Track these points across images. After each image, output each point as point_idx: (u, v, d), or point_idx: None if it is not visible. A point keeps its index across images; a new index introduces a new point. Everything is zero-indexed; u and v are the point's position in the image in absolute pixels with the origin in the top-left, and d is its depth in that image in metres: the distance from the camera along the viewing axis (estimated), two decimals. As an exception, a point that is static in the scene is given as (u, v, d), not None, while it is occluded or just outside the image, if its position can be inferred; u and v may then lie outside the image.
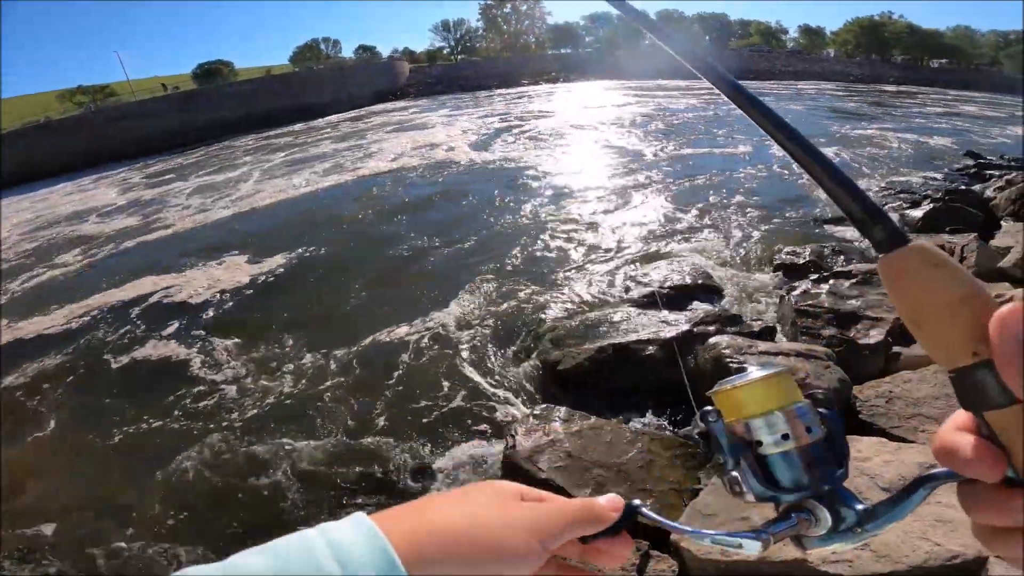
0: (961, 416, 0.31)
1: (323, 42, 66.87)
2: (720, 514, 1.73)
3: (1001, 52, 63.69)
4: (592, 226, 7.21)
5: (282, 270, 6.57)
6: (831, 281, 4.07)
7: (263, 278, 6.38)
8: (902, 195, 7.88)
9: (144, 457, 3.51)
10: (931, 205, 6.83)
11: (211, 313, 5.60)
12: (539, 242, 6.67)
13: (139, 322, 5.60)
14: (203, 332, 5.12)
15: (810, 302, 3.79)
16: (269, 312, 5.44)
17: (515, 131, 16.98)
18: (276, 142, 20.41)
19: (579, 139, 14.73)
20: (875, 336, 3.14)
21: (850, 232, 6.37)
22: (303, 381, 4.16)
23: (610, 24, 67.29)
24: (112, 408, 4.14)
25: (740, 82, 0.48)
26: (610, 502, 0.39)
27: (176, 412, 3.97)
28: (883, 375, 2.67)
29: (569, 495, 2.29)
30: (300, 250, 7.12)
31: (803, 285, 4.25)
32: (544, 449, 2.49)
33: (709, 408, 0.37)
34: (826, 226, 6.67)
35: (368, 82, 37.56)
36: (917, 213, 6.73)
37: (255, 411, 3.87)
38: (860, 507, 0.34)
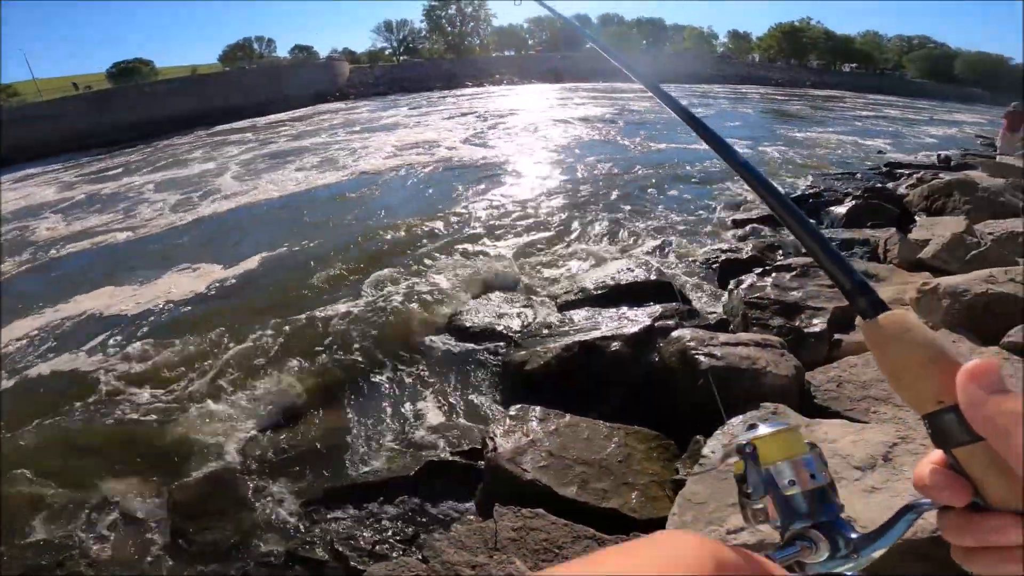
0: (934, 453, 0.37)
1: (256, 41, 63.83)
2: (711, 502, 1.81)
3: (905, 56, 69.75)
4: (544, 227, 7.32)
5: (231, 280, 6.26)
6: (773, 274, 4.30)
7: (208, 290, 6.06)
8: (826, 193, 8.52)
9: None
10: (853, 202, 7.45)
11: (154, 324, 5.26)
12: (489, 245, 6.68)
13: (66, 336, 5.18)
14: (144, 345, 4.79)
15: (757, 295, 4.01)
16: (217, 325, 5.17)
17: (461, 132, 16.94)
18: (181, 146, 19.33)
19: (524, 143, 14.80)
20: (819, 324, 3.41)
21: (784, 233, 6.82)
22: (262, 394, 3.98)
23: (553, 27, 68.45)
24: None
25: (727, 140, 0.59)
26: None
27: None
28: (829, 361, 2.90)
29: (556, 494, 2.39)
30: (237, 259, 6.81)
31: (749, 279, 4.43)
32: (525, 450, 2.52)
33: (746, 444, 0.44)
34: (756, 225, 7.08)
35: (305, 83, 36.21)
36: (841, 210, 7.31)
37: (214, 431, 3.67)
38: (854, 535, 0.40)
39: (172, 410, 3.88)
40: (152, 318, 5.46)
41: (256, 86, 32.45)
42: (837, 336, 3.29)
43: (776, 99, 29.66)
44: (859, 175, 10.49)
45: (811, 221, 0.49)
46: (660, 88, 0.79)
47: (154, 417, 3.83)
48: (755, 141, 14.86)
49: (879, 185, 8.82)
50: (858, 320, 0.40)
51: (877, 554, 0.39)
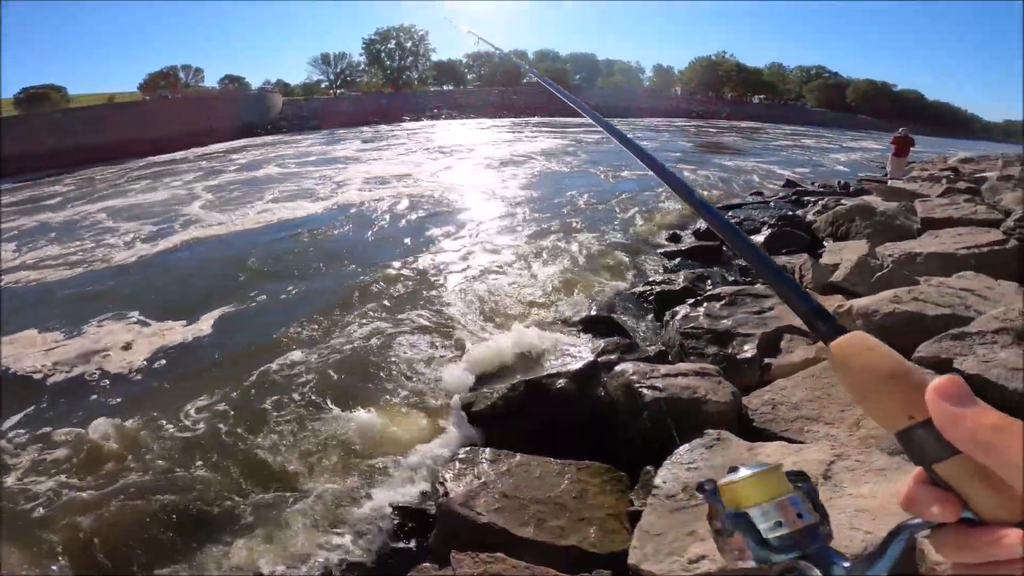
0: (915, 472, 0.37)
1: (182, 69, 61.35)
2: (669, 532, 1.84)
3: (805, 87, 77.24)
4: (485, 266, 7.34)
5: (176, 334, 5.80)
6: (705, 304, 4.46)
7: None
8: (745, 223, 9.17)
9: None
10: (768, 231, 8.07)
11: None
12: (431, 288, 6.58)
13: None
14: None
15: (691, 325, 4.17)
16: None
17: (399, 167, 16.94)
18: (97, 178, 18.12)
19: (453, 182, 14.79)
20: (749, 351, 3.61)
21: (712, 266, 7.31)
22: (205, 448, 3.68)
23: (491, 62, 70.54)
24: None
25: (684, 181, 0.62)
26: None
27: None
28: (762, 384, 3.05)
29: (514, 536, 2.36)
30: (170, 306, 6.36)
31: (683, 310, 4.56)
32: (478, 492, 2.46)
33: (704, 481, 0.44)
34: (682, 258, 7.47)
35: (234, 114, 35.07)
36: (759, 239, 7.89)
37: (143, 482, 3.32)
38: (847, 564, 0.39)
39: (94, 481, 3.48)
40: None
41: (180, 117, 30.98)
42: (767, 360, 3.51)
43: (705, 131, 31.83)
44: (772, 203, 11.41)
45: (765, 253, 0.51)
46: (612, 125, 0.82)
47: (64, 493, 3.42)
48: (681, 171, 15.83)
49: (789, 213, 9.62)
50: (819, 345, 0.43)
51: None
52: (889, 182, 12.06)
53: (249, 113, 36.84)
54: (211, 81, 64.73)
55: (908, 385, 0.36)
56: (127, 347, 5.28)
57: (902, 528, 0.38)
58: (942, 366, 2.67)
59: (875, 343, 0.39)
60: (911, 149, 13.55)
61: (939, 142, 39.47)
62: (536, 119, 38.91)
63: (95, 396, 4.48)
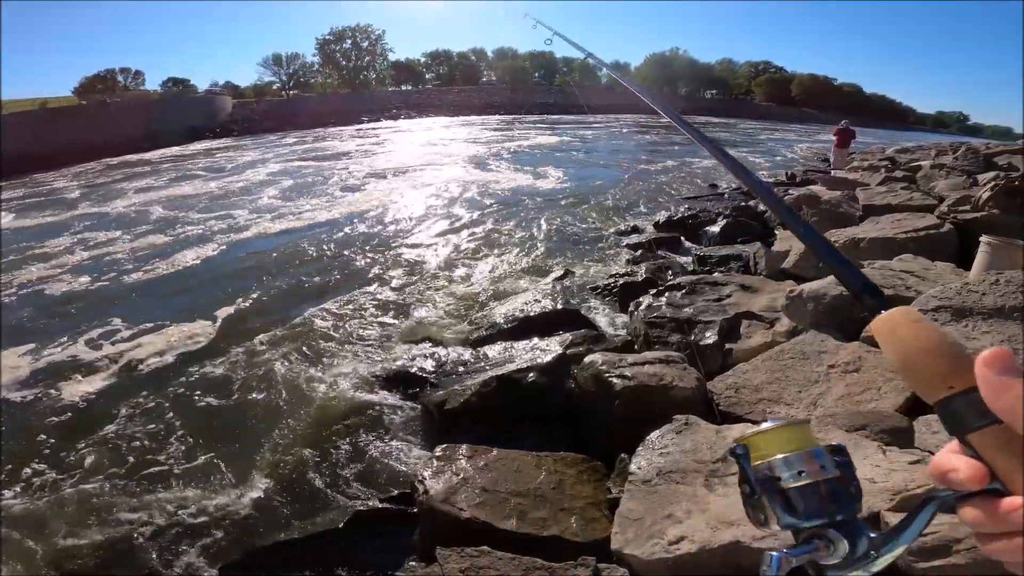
0: (950, 445, 0.38)
1: (120, 72, 58.23)
2: (647, 516, 1.91)
3: (753, 81, 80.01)
4: (435, 268, 7.34)
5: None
6: (667, 294, 4.60)
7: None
8: (702, 214, 9.48)
9: None
10: (724, 221, 8.38)
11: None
12: (386, 288, 6.55)
13: None
14: None
15: (655, 314, 4.30)
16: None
17: (352, 171, 16.67)
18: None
19: (422, 178, 14.77)
20: (711, 337, 3.77)
21: (681, 254, 7.54)
22: (166, 457, 3.54)
23: (449, 62, 70.06)
24: None
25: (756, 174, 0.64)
26: None
27: None
28: (724, 369, 3.20)
29: (497, 529, 2.39)
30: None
31: (646, 300, 4.68)
32: (458, 488, 2.48)
33: (736, 446, 0.43)
34: (640, 251, 7.64)
35: (179, 118, 33.54)
36: (716, 229, 8.18)
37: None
38: (873, 535, 0.39)
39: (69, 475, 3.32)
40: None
41: (119, 122, 29.36)
42: (728, 345, 3.67)
43: (658, 127, 32.57)
44: (726, 195, 11.84)
45: (816, 231, 0.53)
46: (682, 118, 0.86)
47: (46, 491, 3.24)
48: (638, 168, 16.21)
49: (743, 204, 10.02)
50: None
51: (899, 551, 0.38)
52: (832, 172, 12.69)
53: (195, 117, 35.28)
54: (153, 84, 61.79)
55: (949, 357, 0.37)
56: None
57: (930, 499, 0.38)
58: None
59: (918, 316, 0.41)
60: (852, 141, 14.25)
61: (878, 133, 41.72)
62: (494, 117, 38.99)
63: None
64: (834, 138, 14.20)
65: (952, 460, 0.36)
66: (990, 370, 0.35)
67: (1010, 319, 2.79)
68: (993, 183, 5.29)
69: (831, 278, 3.91)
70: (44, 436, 3.91)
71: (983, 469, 0.35)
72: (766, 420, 0.44)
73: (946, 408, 0.37)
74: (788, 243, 5.48)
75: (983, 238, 4.03)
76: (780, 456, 0.41)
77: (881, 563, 0.38)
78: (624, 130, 32.10)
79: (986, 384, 0.35)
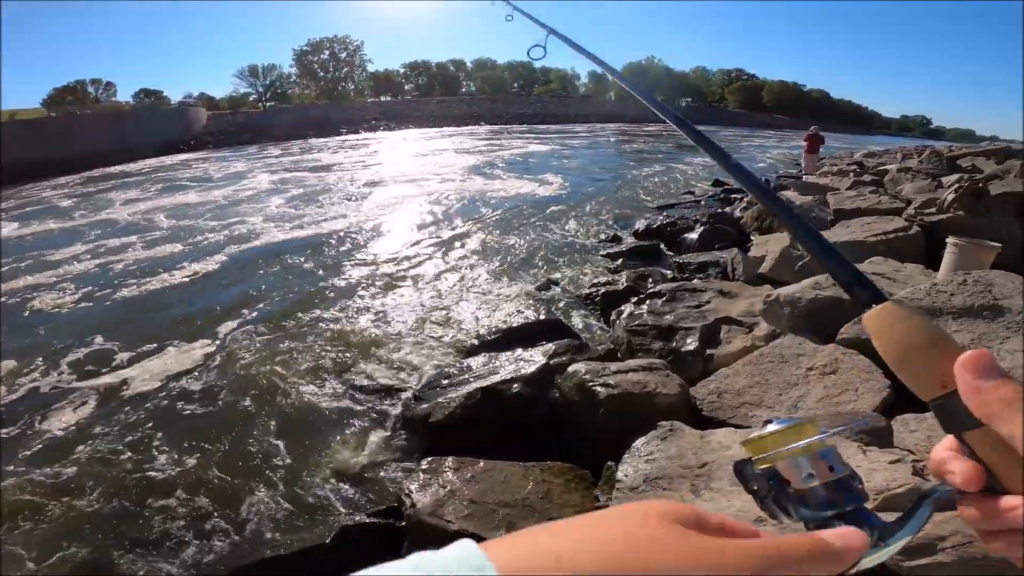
0: (948, 439, 0.37)
1: (91, 84, 57.03)
2: None
3: (726, 89, 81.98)
4: (419, 279, 7.31)
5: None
6: (648, 301, 4.63)
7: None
8: (680, 221, 9.63)
9: None
10: (701, 228, 8.51)
11: None
12: (366, 302, 6.50)
13: None
14: None
15: (637, 322, 4.31)
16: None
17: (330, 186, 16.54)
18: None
19: (402, 194, 14.59)
20: (692, 343, 3.81)
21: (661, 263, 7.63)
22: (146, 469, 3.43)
23: (428, 72, 70.26)
24: None
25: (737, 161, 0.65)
26: (846, 539, 0.32)
27: None
28: (706, 374, 3.22)
29: (485, 540, 2.33)
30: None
31: (628, 308, 4.71)
32: (445, 501, 2.46)
33: (741, 459, 0.42)
34: (620, 260, 7.73)
35: (153, 130, 32.94)
36: (694, 236, 8.30)
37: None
38: (880, 523, 0.38)
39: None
40: None
41: (90, 134, 28.70)
42: (709, 351, 3.73)
43: (635, 134, 33.07)
44: (703, 202, 12.06)
45: (808, 224, 0.51)
46: (684, 120, 0.84)
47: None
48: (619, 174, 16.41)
49: (719, 210, 10.19)
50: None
51: (903, 543, 0.38)
52: (804, 178, 13.02)
53: (169, 128, 34.69)
54: (124, 96, 60.69)
55: (942, 356, 0.37)
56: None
57: (930, 493, 0.38)
58: (864, 345, 2.93)
59: (910, 312, 0.40)
60: (821, 146, 14.62)
61: (845, 138, 43.05)
62: (479, 127, 39.15)
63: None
64: (804, 144, 14.54)
65: (950, 460, 0.36)
66: (968, 373, 0.35)
67: (979, 318, 2.89)
68: (957, 185, 5.48)
69: (807, 281, 3.99)
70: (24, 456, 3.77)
71: (979, 470, 0.35)
72: (771, 421, 0.42)
73: (940, 408, 0.37)
74: (764, 248, 5.60)
75: (950, 239, 4.16)
76: (784, 459, 0.40)
77: (888, 552, 0.38)
78: (612, 139, 32.50)
79: (965, 387, 0.35)
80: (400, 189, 15.01)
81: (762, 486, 0.40)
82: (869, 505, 0.39)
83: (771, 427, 0.41)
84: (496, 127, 40.72)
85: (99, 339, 5.73)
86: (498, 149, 25.35)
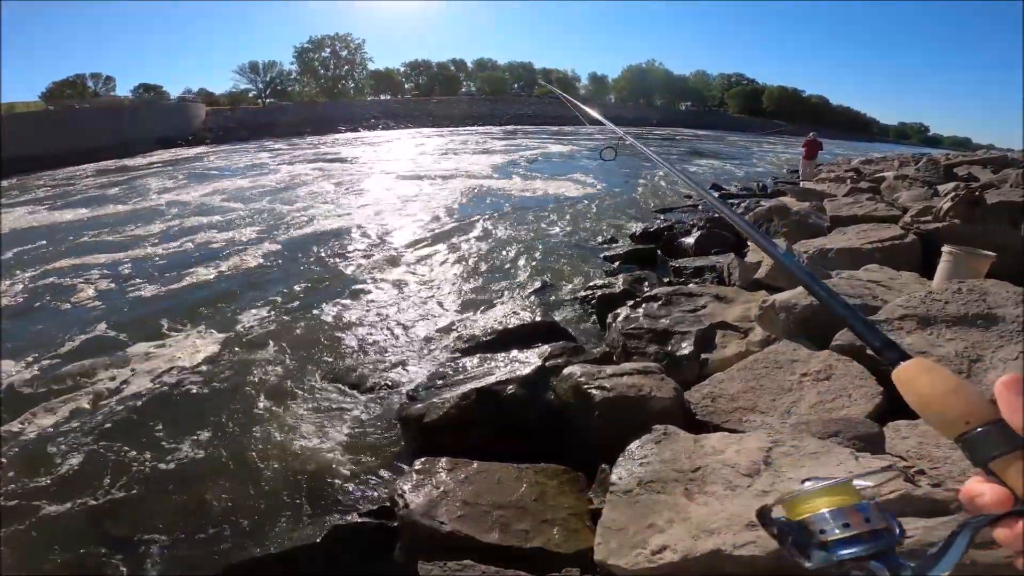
0: (974, 478, 0.41)
1: (91, 78, 56.75)
2: (630, 526, 1.90)
3: (727, 93, 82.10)
4: (416, 279, 7.32)
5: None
6: (644, 305, 4.62)
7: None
8: (677, 226, 9.66)
9: None
10: (698, 233, 8.53)
11: None
12: (361, 301, 6.48)
13: None
14: None
15: (632, 326, 4.31)
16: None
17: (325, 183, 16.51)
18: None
19: (398, 193, 14.57)
20: (687, 347, 3.82)
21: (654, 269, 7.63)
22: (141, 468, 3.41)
23: (429, 71, 70.21)
24: None
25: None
26: None
27: None
28: (701, 378, 3.23)
29: (479, 542, 2.37)
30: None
31: (624, 311, 4.68)
32: (439, 502, 2.45)
33: (771, 516, 0.47)
34: (617, 263, 7.76)
35: (151, 125, 32.86)
36: (691, 240, 8.32)
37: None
38: (912, 564, 0.40)
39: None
40: None
41: (89, 128, 28.59)
42: (704, 355, 3.73)
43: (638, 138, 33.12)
44: (700, 207, 12.07)
45: (842, 297, 0.57)
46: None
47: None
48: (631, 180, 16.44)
49: (716, 215, 10.21)
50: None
51: None
52: (801, 184, 13.06)
53: (168, 124, 34.58)
54: (124, 90, 60.42)
55: (964, 398, 0.42)
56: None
57: (964, 526, 0.40)
58: (857, 352, 2.94)
59: (933, 366, 0.46)
60: (819, 152, 14.68)
61: (844, 144, 43.20)
62: (464, 128, 39.14)
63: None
64: (802, 150, 14.61)
65: (978, 487, 0.39)
66: (1009, 392, 0.39)
67: (973, 326, 2.89)
68: (953, 193, 5.50)
69: (800, 288, 4.01)
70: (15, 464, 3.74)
71: (1007, 493, 0.38)
72: (807, 481, 0.47)
73: (966, 442, 0.41)
74: (761, 254, 5.60)
75: (945, 248, 4.17)
76: (821, 513, 0.44)
77: None
78: (605, 142, 32.52)
79: (1009, 408, 0.39)
80: (398, 189, 15.01)
81: (784, 534, 0.45)
82: None
83: (808, 485, 0.46)
84: (496, 128, 40.71)
85: (97, 331, 5.71)
86: (498, 149, 25.33)
